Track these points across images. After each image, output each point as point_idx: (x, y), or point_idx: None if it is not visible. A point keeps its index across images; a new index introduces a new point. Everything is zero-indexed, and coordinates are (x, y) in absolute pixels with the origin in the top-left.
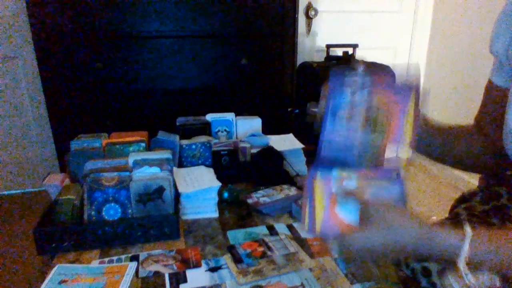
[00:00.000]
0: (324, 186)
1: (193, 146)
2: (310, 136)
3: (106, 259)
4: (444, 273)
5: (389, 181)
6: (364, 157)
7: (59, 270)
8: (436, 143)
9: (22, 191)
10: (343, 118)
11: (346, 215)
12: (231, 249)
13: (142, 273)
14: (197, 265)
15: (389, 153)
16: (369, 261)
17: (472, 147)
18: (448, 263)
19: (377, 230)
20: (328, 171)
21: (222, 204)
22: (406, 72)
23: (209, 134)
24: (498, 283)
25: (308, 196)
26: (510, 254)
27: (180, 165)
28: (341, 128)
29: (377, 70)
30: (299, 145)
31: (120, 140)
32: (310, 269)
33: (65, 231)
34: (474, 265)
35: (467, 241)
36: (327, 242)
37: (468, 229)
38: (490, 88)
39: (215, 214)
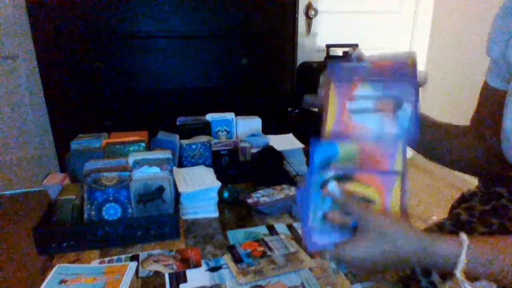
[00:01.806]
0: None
1: (193, 146)
2: (309, 136)
3: (106, 259)
4: (444, 277)
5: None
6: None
7: (59, 270)
8: (433, 141)
9: (22, 191)
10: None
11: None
12: (231, 249)
13: (142, 273)
14: (197, 265)
15: None
16: (366, 272)
17: (469, 148)
18: (446, 272)
19: (373, 241)
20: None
21: (222, 204)
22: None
23: (209, 134)
24: None
25: (301, 208)
26: (506, 262)
27: (180, 165)
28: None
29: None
30: (299, 145)
31: (120, 140)
32: (310, 269)
33: (65, 231)
34: (471, 274)
35: (463, 250)
36: (323, 253)
37: (464, 237)
38: (486, 89)
39: (215, 214)
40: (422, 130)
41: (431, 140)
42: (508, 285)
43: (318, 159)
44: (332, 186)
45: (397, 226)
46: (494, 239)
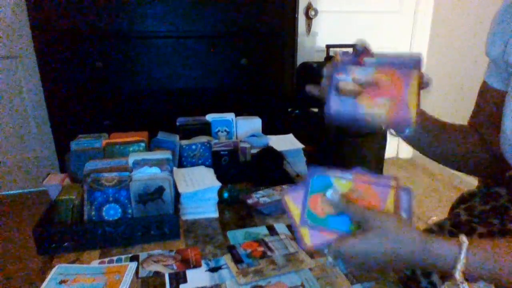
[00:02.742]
0: (296, 199)
1: (193, 146)
2: (310, 136)
3: (106, 259)
4: (443, 278)
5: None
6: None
7: (59, 270)
8: (432, 138)
9: (22, 191)
10: (348, 93)
11: (338, 224)
12: (231, 249)
13: (142, 273)
14: (197, 265)
15: (389, 153)
16: (365, 271)
17: (467, 147)
18: (445, 273)
19: (374, 239)
20: (319, 176)
21: (222, 204)
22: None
23: (209, 134)
24: None
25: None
26: (506, 264)
27: (180, 165)
28: (346, 102)
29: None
30: (299, 145)
31: (120, 140)
32: (310, 269)
33: (65, 231)
34: (470, 275)
35: (463, 251)
36: (321, 253)
37: (464, 238)
38: (485, 89)
39: (215, 214)
40: (421, 126)
41: (430, 136)
42: (506, 287)
43: (313, 188)
44: (331, 193)
45: (398, 226)
46: (493, 241)
